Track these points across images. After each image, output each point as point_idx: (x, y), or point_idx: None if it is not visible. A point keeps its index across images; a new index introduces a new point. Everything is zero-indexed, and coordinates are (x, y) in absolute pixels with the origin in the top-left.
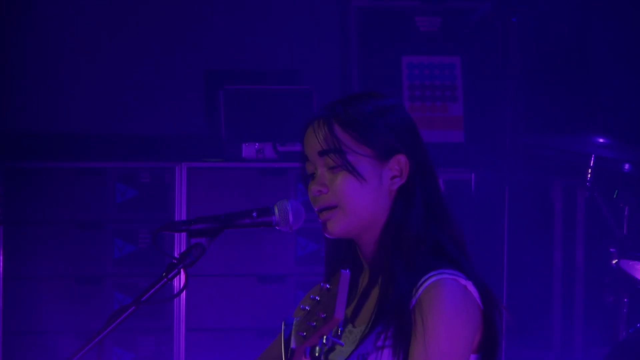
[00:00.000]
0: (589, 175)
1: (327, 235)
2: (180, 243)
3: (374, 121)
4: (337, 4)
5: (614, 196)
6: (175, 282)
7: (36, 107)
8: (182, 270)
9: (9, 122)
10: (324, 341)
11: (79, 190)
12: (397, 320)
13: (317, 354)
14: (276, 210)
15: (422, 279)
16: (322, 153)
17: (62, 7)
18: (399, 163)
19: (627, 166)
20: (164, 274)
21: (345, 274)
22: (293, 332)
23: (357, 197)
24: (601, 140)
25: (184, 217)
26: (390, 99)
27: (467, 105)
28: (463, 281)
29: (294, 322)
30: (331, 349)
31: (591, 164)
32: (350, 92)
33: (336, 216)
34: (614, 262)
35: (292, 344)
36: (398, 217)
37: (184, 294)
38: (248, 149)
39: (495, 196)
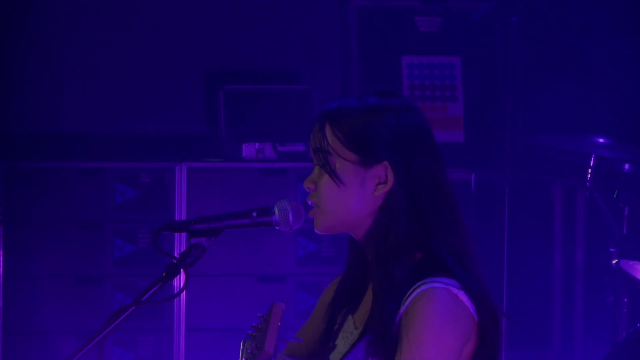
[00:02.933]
0: (589, 175)
1: (315, 230)
2: (180, 243)
3: (364, 126)
4: (337, 4)
5: (614, 196)
6: (175, 282)
7: (36, 107)
8: (182, 270)
9: (9, 122)
10: None
11: (79, 190)
12: (383, 331)
13: None
14: (276, 210)
15: (412, 288)
16: (314, 151)
17: (62, 7)
18: (385, 170)
19: (627, 166)
20: (164, 274)
21: (278, 306)
22: (241, 357)
23: (334, 200)
24: (601, 140)
25: (184, 217)
26: (395, 100)
27: (467, 105)
28: (455, 290)
29: (245, 343)
30: (333, 348)
31: (591, 164)
32: (350, 93)
33: (317, 214)
34: (614, 262)
35: None
36: (381, 224)
37: (184, 294)
38: (248, 149)
39: (495, 196)
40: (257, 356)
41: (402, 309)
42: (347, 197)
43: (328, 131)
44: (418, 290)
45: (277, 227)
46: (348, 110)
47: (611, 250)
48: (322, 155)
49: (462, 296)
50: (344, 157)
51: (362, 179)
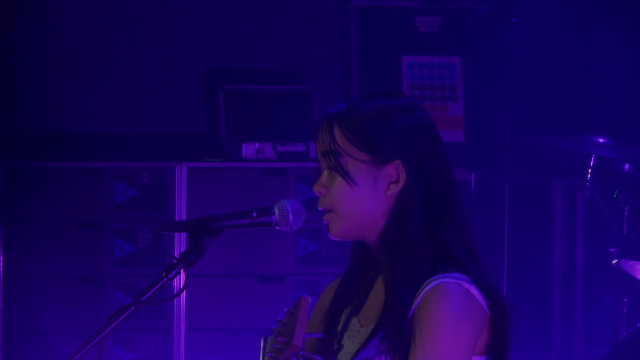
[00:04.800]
0: (589, 175)
1: (330, 237)
2: (180, 243)
3: (374, 125)
4: (337, 4)
5: (614, 196)
6: (175, 282)
7: (36, 107)
8: (182, 270)
9: (9, 122)
10: None
11: (79, 190)
12: (397, 327)
13: None
14: (276, 210)
15: (424, 283)
16: (323, 154)
17: (62, 7)
18: (397, 169)
19: (627, 166)
20: (164, 274)
21: (305, 299)
22: (266, 352)
23: (349, 202)
24: (601, 140)
25: (184, 217)
26: (401, 100)
27: (467, 105)
28: (466, 285)
29: (268, 340)
30: (339, 349)
31: (591, 164)
32: (351, 92)
33: (333, 219)
34: (614, 262)
35: None
36: (395, 223)
37: (184, 294)
38: (248, 149)
39: (495, 196)
40: (285, 350)
41: (415, 304)
42: (362, 197)
43: (337, 132)
44: (430, 286)
45: (277, 227)
46: (356, 110)
47: (611, 250)
48: (333, 157)
49: (474, 290)
50: (356, 157)
51: (375, 178)
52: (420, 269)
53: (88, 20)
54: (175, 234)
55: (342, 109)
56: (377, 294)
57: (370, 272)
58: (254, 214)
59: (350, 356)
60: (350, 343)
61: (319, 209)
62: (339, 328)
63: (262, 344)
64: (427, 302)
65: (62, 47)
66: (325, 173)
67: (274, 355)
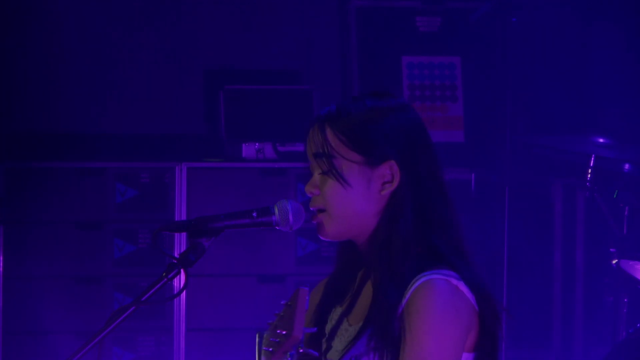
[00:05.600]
0: (589, 175)
1: (320, 237)
2: (180, 243)
3: (366, 126)
4: (337, 4)
5: (614, 196)
6: (175, 282)
7: (36, 107)
8: (182, 270)
9: (9, 122)
10: (288, 357)
11: (79, 190)
12: (384, 325)
13: None
14: (276, 210)
15: (413, 281)
16: (315, 156)
17: (62, 7)
18: (391, 169)
19: (627, 166)
20: (164, 274)
21: (304, 291)
22: (263, 346)
23: (342, 203)
24: (601, 140)
25: (184, 217)
26: (391, 100)
27: (467, 105)
28: (455, 281)
29: (264, 335)
30: (328, 349)
31: (591, 164)
32: (351, 92)
33: (325, 219)
34: (614, 262)
35: (262, 358)
36: (386, 223)
37: (184, 294)
38: (248, 149)
39: (495, 196)
40: (284, 343)
41: (403, 301)
42: (355, 198)
43: (329, 134)
44: (418, 282)
45: (277, 227)
46: (347, 112)
47: (611, 250)
48: (326, 159)
49: (462, 287)
50: (349, 158)
51: (368, 179)
52: (408, 268)
53: (88, 20)
54: (175, 234)
55: (333, 110)
56: (366, 293)
57: (358, 271)
58: (254, 214)
59: (340, 354)
60: (338, 342)
61: (311, 209)
62: (328, 327)
63: (257, 340)
64: (415, 299)
65: (61, 47)
66: (317, 174)
67: (272, 349)
